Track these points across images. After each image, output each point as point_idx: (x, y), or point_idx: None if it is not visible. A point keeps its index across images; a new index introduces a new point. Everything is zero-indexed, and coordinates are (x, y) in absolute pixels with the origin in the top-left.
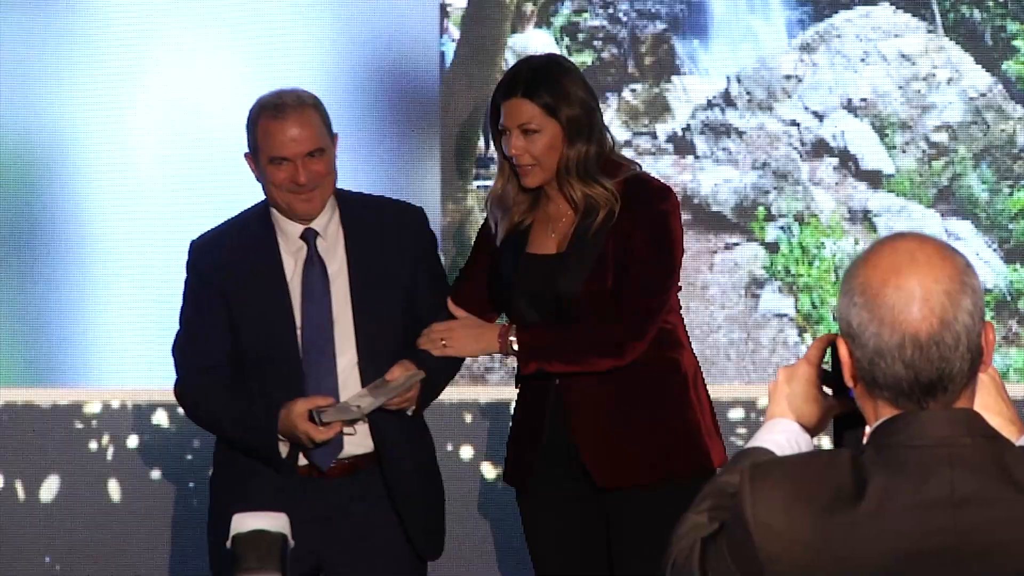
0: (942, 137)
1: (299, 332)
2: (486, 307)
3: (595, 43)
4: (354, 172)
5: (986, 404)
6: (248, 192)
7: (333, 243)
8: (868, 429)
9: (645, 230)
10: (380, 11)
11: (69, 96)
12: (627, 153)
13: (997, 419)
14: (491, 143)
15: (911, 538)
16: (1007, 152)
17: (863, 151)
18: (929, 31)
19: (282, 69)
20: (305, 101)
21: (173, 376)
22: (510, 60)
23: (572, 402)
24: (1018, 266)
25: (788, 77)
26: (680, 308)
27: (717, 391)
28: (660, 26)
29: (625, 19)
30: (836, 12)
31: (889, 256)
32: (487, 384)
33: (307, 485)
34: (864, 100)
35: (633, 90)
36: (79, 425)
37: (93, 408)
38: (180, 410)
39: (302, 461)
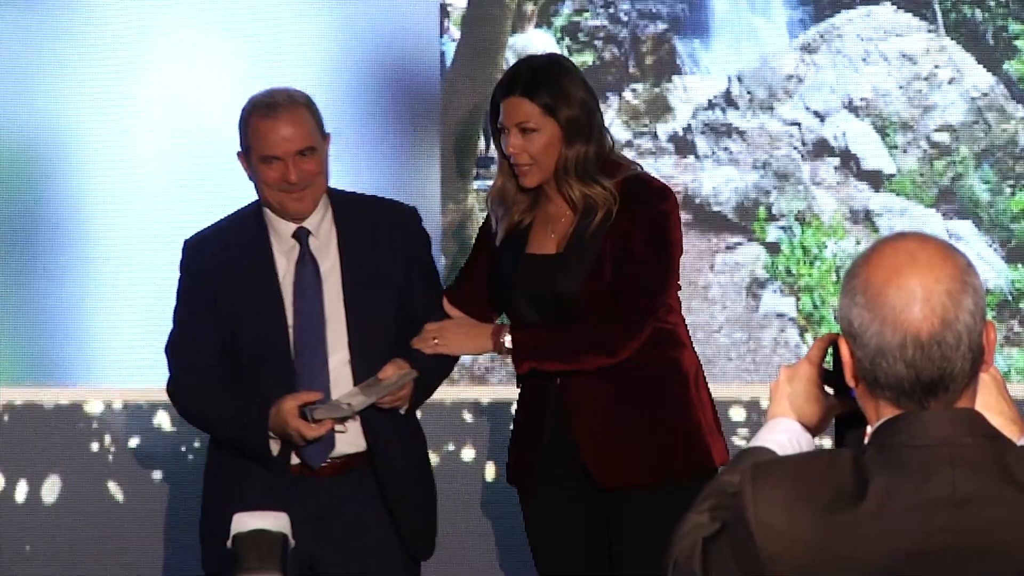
0: (943, 137)
1: (291, 331)
2: (486, 307)
3: (596, 43)
4: (355, 171)
5: (987, 404)
6: (249, 190)
7: (326, 242)
8: (869, 429)
9: (644, 230)
10: (381, 11)
11: (69, 94)
12: (628, 153)
13: (998, 419)
14: (491, 142)
15: (912, 538)
16: (1009, 152)
17: (864, 151)
18: (930, 31)
19: (282, 69)
20: (296, 100)
21: None
22: (511, 60)
23: (573, 402)
24: (1019, 266)
25: (789, 77)
26: (681, 308)
27: (718, 391)
28: (661, 26)
29: (626, 19)
30: (837, 12)
31: (890, 256)
32: (488, 384)
33: (299, 484)
34: (865, 100)
35: (634, 90)
36: (80, 425)
37: (94, 408)
38: None
39: (294, 460)
